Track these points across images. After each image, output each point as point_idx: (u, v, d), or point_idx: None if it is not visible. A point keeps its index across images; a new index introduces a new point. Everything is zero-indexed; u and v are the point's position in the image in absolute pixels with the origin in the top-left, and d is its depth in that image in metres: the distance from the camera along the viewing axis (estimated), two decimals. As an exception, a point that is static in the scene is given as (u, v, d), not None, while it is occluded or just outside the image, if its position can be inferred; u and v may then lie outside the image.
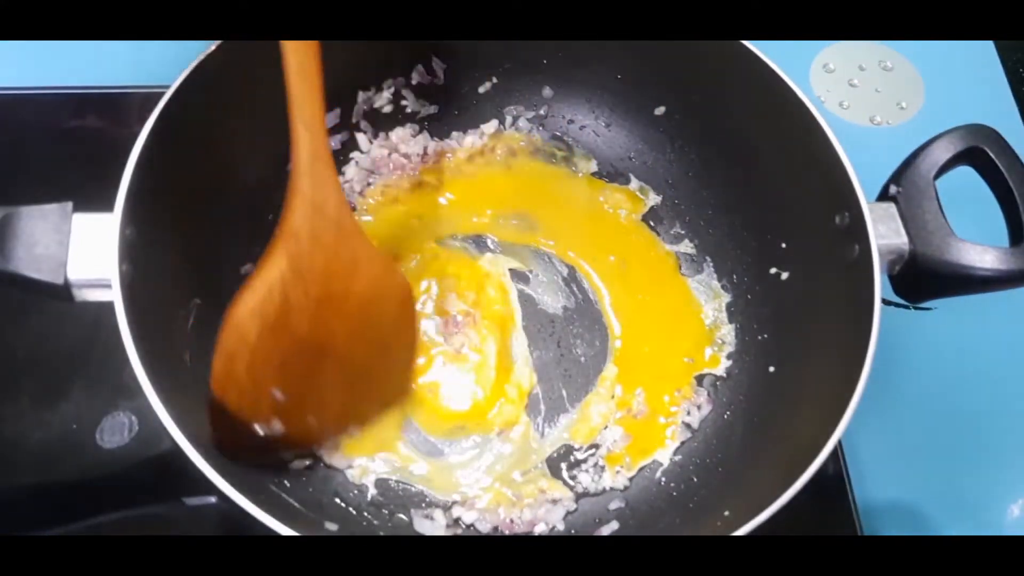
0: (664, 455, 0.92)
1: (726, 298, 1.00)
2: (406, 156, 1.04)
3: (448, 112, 1.07)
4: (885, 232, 0.83)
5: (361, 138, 1.03)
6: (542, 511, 0.88)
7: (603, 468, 0.91)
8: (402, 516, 0.87)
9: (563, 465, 0.91)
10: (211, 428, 0.77)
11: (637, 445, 0.92)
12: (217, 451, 0.74)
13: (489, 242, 1.02)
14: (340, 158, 1.03)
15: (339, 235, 0.77)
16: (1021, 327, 1.09)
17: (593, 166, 1.08)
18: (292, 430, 0.81)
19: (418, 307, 0.96)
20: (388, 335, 0.86)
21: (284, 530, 0.67)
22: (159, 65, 0.88)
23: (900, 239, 0.83)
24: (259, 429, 0.79)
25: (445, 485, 0.88)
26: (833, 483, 0.95)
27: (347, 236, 0.78)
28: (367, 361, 0.84)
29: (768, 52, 0.90)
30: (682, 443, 0.92)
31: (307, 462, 0.87)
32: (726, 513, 0.79)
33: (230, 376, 0.76)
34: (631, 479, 0.91)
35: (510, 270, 1.00)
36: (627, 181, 1.07)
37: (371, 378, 0.86)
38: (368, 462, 0.88)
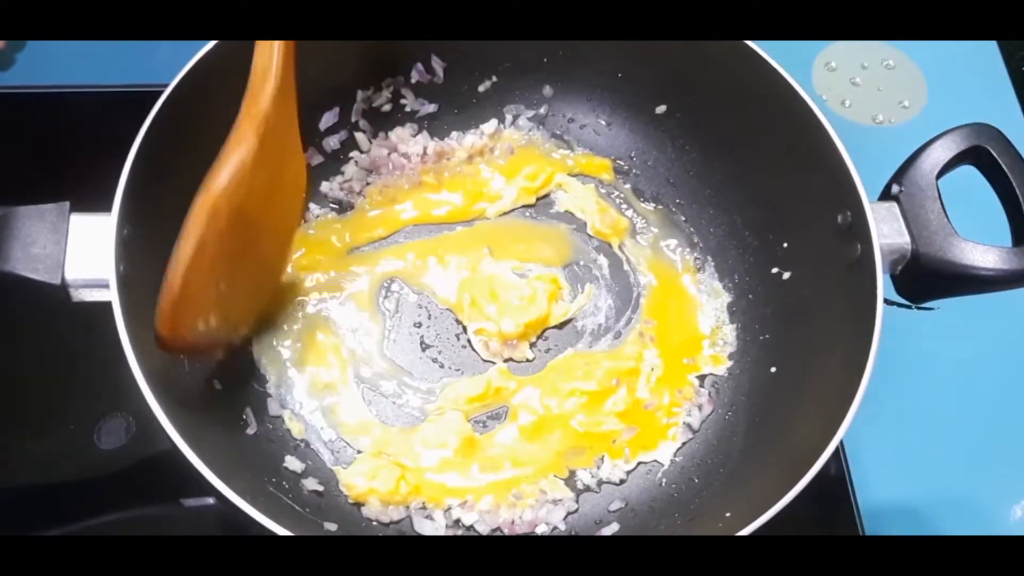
0: (665, 455, 0.91)
1: (727, 298, 1.00)
2: (406, 156, 1.04)
3: (448, 111, 1.06)
4: (887, 232, 0.83)
5: (360, 137, 1.03)
6: (543, 512, 0.88)
7: (603, 459, 0.91)
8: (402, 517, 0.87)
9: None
10: (165, 319, 0.72)
11: (639, 440, 0.92)
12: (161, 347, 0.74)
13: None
14: (340, 157, 1.03)
15: (290, 122, 0.79)
16: (1023, 327, 1.09)
17: (594, 165, 1.07)
18: (223, 326, 0.80)
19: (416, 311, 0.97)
20: (285, 222, 0.86)
21: (281, 531, 0.67)
22: (156, 64, 0.87)
23: (902, 239, 0.83)
24: (201, 325, 0.77)
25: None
26: (835, 484, 0.95)
27: (294, 123, 0.80)
28: (263, 250, 0.84)
29: (770, 50, 0.90)
30: (683, 444, 0.92)
31: (320, 488, 0.86)
32: (727, 514, 0.79)
33: (198, 267, 0.72)
34: (628, 473, 0.91)
35: (511, 269, 1.00)
36: (628, 180, 1.06)
37: (257, 263, 0.84)
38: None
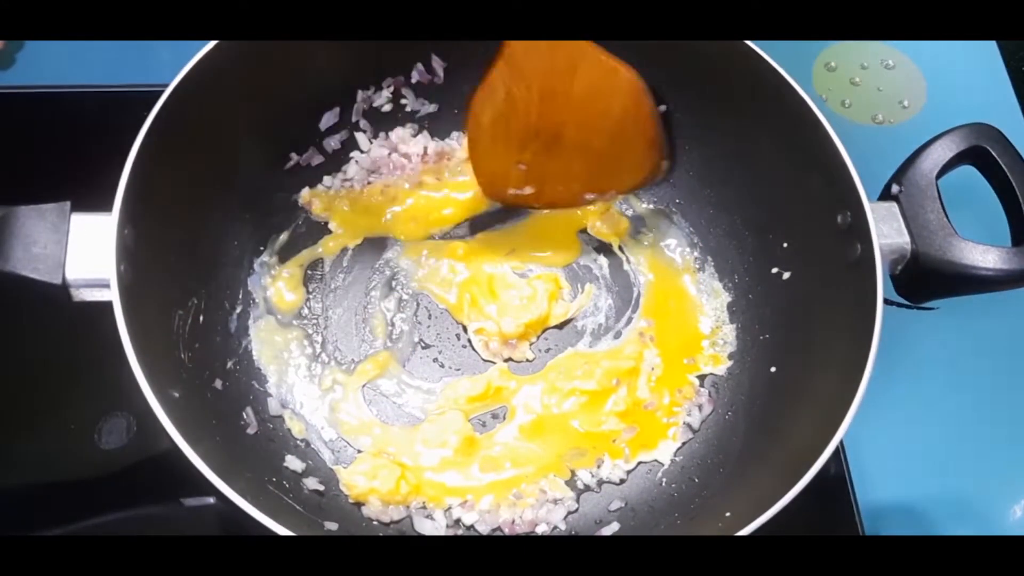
0: (665, 455, 0.91)
1: (727, 298, 1.00)
2: (406, 156, 1.04)
3: (448, 111, 1.06)
4: (887, 232, 0.83)
5: (361, 137, 1.03)
6: (543, 511, 0.88)
7: (603, 459, 0.91)
8: (402, 516, 0.87)
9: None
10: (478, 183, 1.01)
11: (639, 439, 0.92)
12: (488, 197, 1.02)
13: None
14: (341, 157, 1.03)
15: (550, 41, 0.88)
16: (1023, 327, 1.09)
17: (594, 165, 1.08)
18: (542, 194, 1.00)
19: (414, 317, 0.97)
20: (622, 125, 0.94)
21: (282, 531, 0.67)
22: (156, 64, 0.88)
23: (902, 239, 0.83)
24: (512, 191, 0.99)
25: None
26: (835, 484, 0.95)
27: (559, 42, 0.88)
28: (605, 146, 0.95)
29: (770, 51, 0.90)
30: (683, 443, 0.92)
31: (321, 487, 0.87)
32: (727, 514, 0.79)
33: (475, 153, 0.98)
34: (628, 472, 0.91)
35: (511, 269, 1.00)
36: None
37: (611, 159, 0.97)
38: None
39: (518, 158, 0.96)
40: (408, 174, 1.03)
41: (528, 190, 0.99)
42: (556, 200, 1.02)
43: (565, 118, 0.92)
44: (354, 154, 1.03)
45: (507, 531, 0.86)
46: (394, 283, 0.99)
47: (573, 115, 0.92)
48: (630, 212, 1.05)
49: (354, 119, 1.03)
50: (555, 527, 0.87)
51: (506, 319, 0.94)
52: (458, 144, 1.05)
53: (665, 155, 1.00)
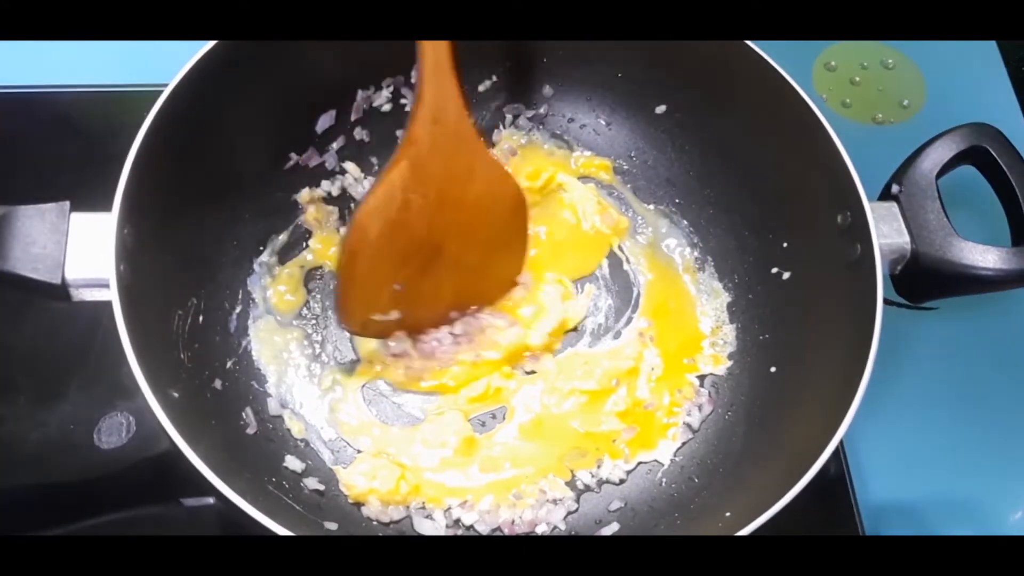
0: (665, 455, 0.91)
1: (727, 298, 1.00)
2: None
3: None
4: (887, 231, 0.83)
5: (351, 167, 1.03)
6: (543, 511, 0.88)
7: (603, 459, 0.91)
8: (402, 516, 0.87)
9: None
10: (339, 309, 0.87)
11: (639, 439, 0.92)
12: (344, 326, 0.90)
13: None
14: (340, 158, 1.03)
15: (457, 142, 0.82)
16: (1023, 327, 1.09)
17: (594, 165, 1.08)
18: (407, 318, 0.90)
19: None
20: (500, 237, 0.92)
21: (282, 531, 0.67)
22: (157, 64, 0.87)
23: (902, 238, 0.84)
24: (378, 317, 0.88)
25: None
26: (835, 484, 0.95)
27: (465, 143, 0.83)
28: (479, 260, 0.91)
29: (770, 51, 0.90)
30: (683, 443, 0.92)
31: (321, 487, 0.86)
32: (727, 514, 0.79)
33: (352, 271, 0.84)
34: (628, 472, 0.91)
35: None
36: (628, 180, 1.06)
37: (482, 275, 0.92)
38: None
39: (395, 277, 0.86)
40: None
41: (394, 315, 0.88)
42: (417, 324, 0.92)
43: (451, 228, 0.86)
44: (348, 165, 1.03)
45: (507, 531, 0.86)
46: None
47: (460, 224, 0.86)
48: (630, 212, 1.05)
49: (353, 118, 1.02)
50: (555, 527, 0.87)
51: (533, 332, 0.94)
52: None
53: (523, 270, 0.97)
